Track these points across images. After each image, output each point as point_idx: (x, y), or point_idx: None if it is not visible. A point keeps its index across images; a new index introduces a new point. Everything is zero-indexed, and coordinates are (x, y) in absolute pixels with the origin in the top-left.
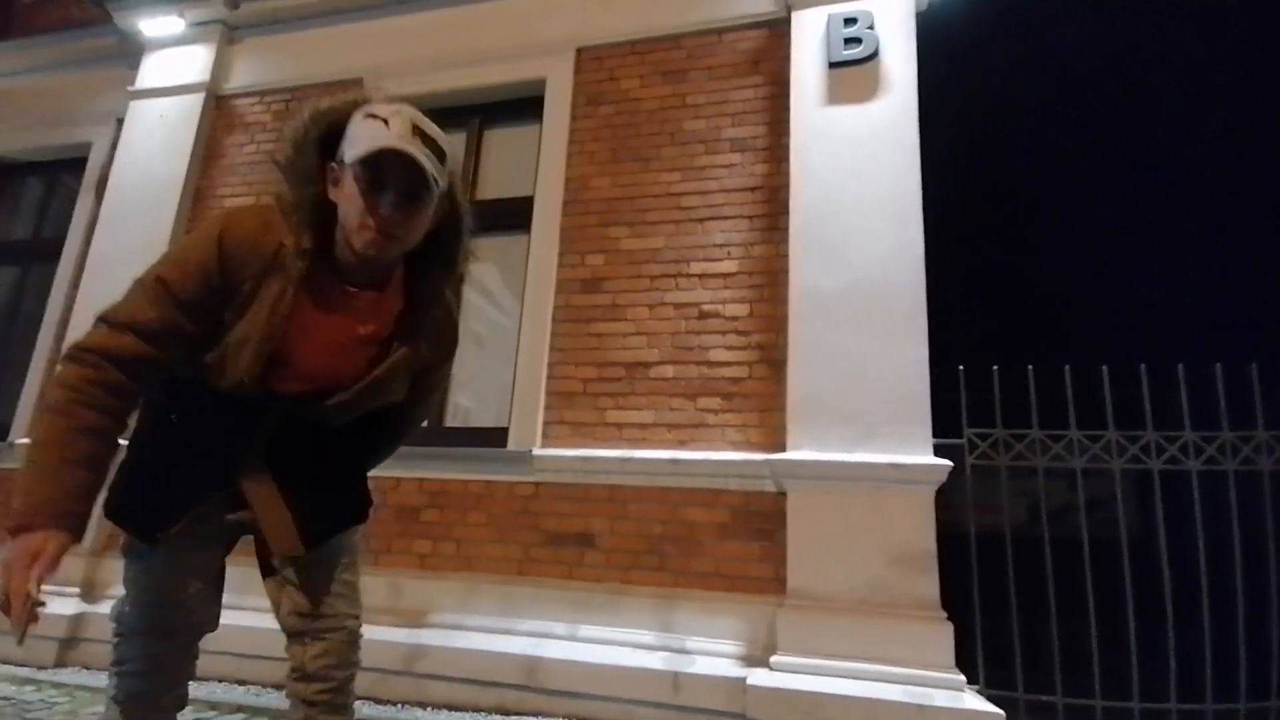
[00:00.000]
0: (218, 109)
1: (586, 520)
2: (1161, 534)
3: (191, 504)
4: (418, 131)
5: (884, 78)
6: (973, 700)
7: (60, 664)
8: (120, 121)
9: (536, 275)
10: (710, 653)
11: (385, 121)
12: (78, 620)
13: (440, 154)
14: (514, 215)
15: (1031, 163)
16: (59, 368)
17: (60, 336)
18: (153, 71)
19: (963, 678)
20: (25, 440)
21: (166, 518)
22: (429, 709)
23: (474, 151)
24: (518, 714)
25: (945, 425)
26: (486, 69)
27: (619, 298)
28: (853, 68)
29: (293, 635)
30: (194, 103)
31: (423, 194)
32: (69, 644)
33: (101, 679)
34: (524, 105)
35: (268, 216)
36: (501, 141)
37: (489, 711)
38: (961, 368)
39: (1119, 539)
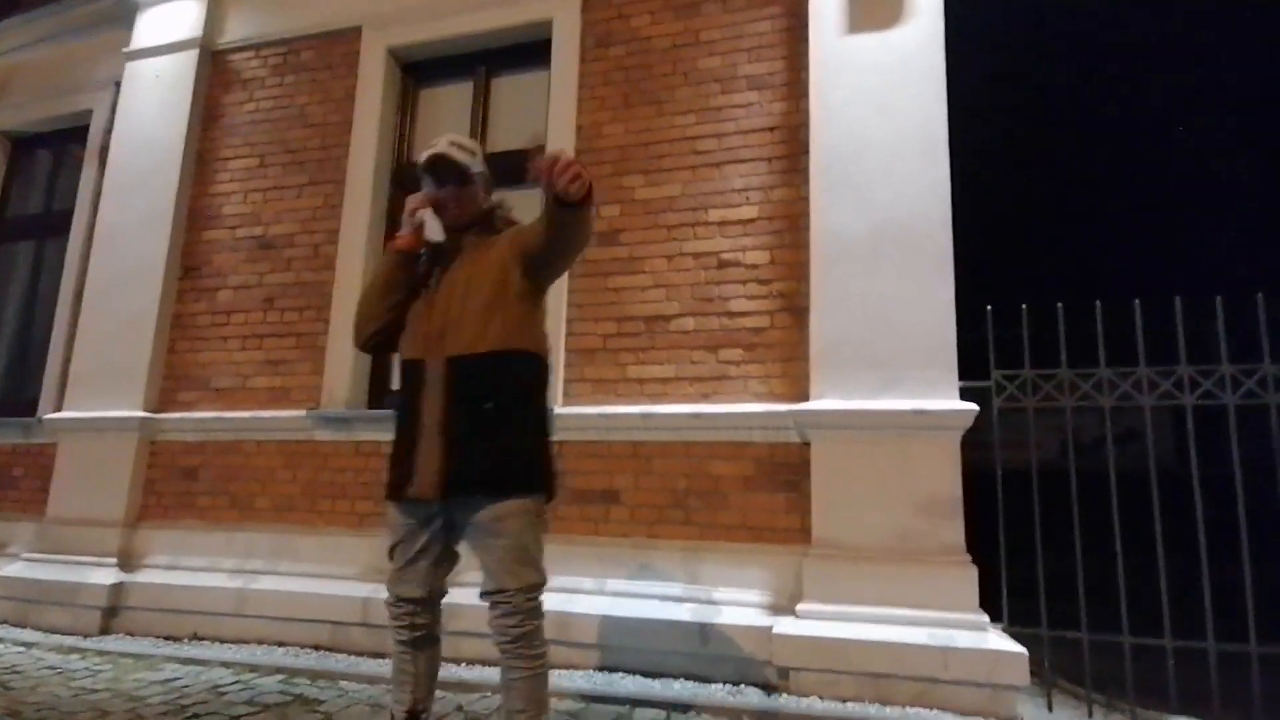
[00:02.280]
0: (214, 65)
1: (611, 477)
2: (1194, 470)
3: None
4: (453, 141)
5: (908, 1)
6: (996, 640)
7: (105, 632)
8: (119, 86)
9: None
10: (737, 603)
11: (433, 144)
12: (118, 589)
13: (467, 150)
14: (525, 168)
15: (1062, 91)
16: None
17: (76, 312)
18: (147, 30)
19: (986, 618)
20: (55, 415)
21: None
22: (463, 664)
23: (482, 101)
24: (551, 667)
25: (973, 366)
26: (489, 12)
27: (636, 250)
28: None
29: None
30: (188, 60)
31: (465, 180)
32: (111, 613)
33: (144, 645)
34: (531, 50)
35: None
36: (510, 90)
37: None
38: (990, 307)
39: (1154, 475)
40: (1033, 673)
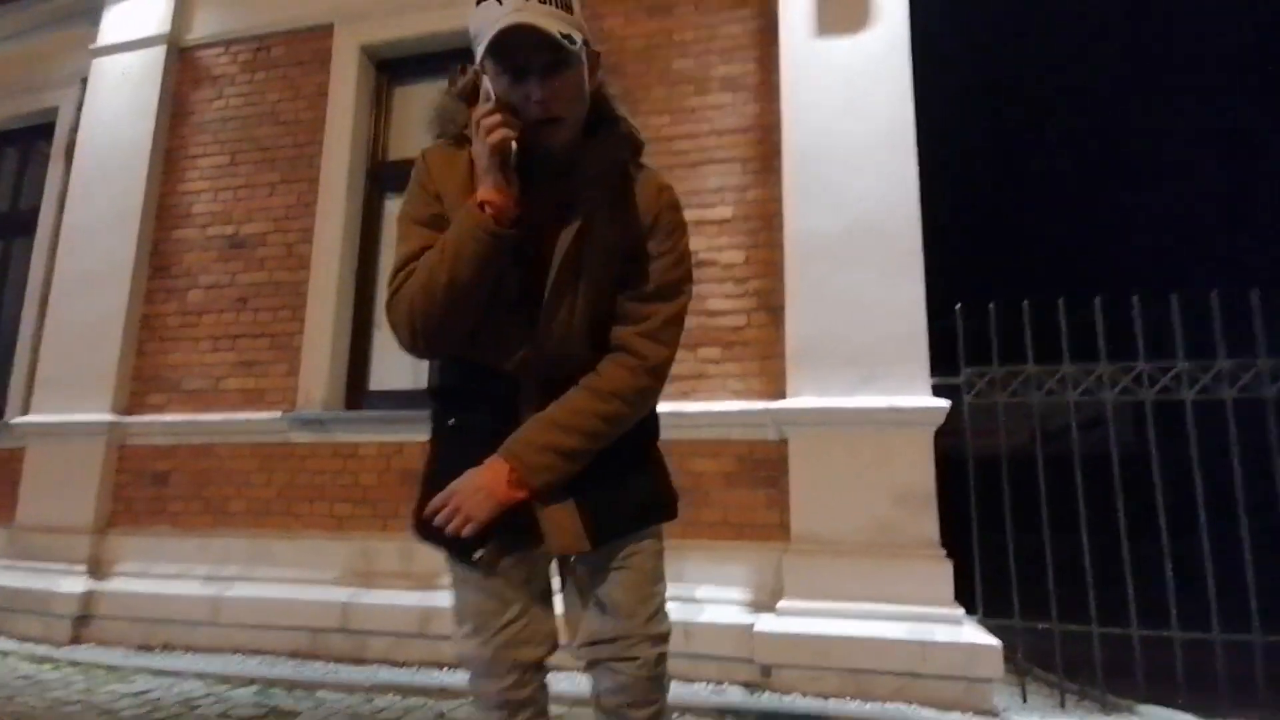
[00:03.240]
0: (182, 62)
1: None
2: (1155, 463)
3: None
4: None
5: (875, 5)
6: (971, 633)
7: (75, 641)
8: (85, 82)
9: None
10: (719, 600)
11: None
12: (88, 598)
13: (565, 4)
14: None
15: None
16: (390, 314)
17: (43, 313)
18: (113, 26)
19: (961, 611)
20: (22, 419)
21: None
22: (445, 669)
23: None
24: None
25: (945, 361)
26: (462, 9)
27: None
28: None
29: (588, 664)
30: (156, 56)
31: (562, 59)
32: (82, 621)
33: (116, 655)
34: None
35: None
36: None
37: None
38: (959, 305)
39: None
40: (1009, 660)
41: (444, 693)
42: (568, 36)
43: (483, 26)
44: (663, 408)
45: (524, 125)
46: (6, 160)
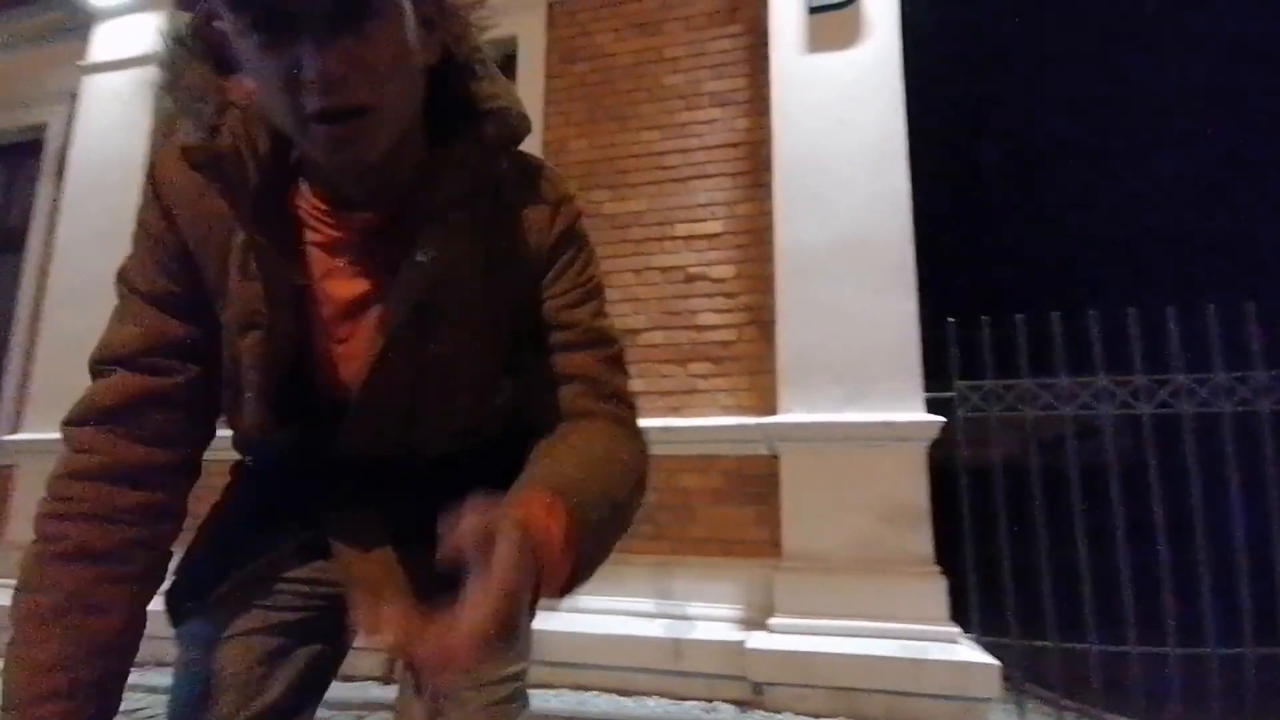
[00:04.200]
0: None
1: None
2: (1154, 477)
3: (240, 562)
4: None
5: (866, 21)
6: (966, 652)
7: None
8: (74, 98)
9: None
10: (710, 618)
11: None
12: None
13: None
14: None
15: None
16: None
17: (33, 330)
18: (103, 43)
19: (957, 629)
20: (12, 437)
21: (204, 582)
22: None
23: None
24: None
25: (938, 375)
26: None
27: (603, 264)
28: (833, 12)
29: None
30: (147, 74)
31: (353, 8)
32: None
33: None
34: (497, 66)
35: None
36: None
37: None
38: (951, 319)
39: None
40: (1006, 678)
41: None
42: None
43: None
44: (652, 423)
45: (298, 121)
46: None
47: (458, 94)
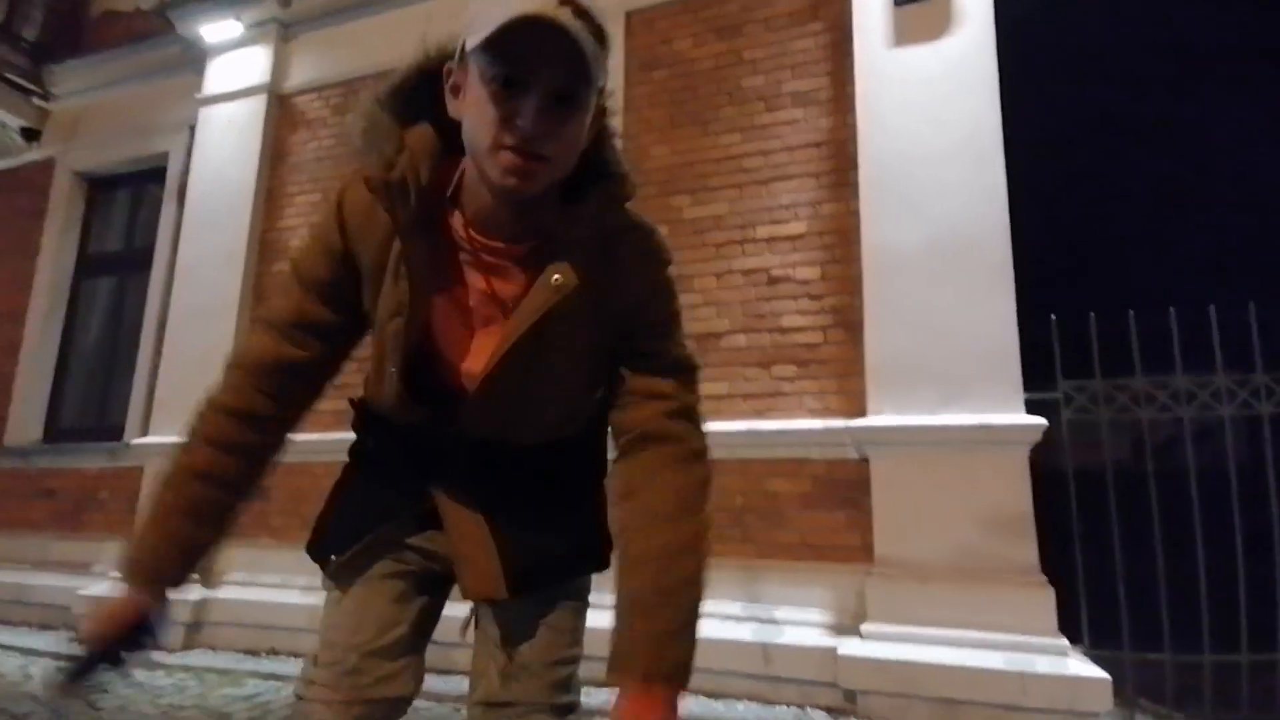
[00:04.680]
0: (280, 108)
1: None
2: (1271, 479)
3: (372, 526)
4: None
5: (956, 11)
6: (1077, 666)
7: (188, 647)
8: (193, 129)
9: None
10: (799, 622)
11: None
12: (200, 605)
13: (598, 31)
14: None
15: (1126, 89)
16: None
17: (159, 340)
18: (217, 77)
19: (1066, 642)
20: (141, 440)
21: (345, 539)
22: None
23: None
24: (609, 686)
25: (1039, 375)
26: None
27: (684, 268)
28: (921, 4)
29: None
30: (258, 104)
31: (580, 90)
32: (194, 628)
33: (226, 659)
34: None
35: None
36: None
37: (583, 685)
38: (1054, 317)
39: (1234, 484)
40: (1116, 692)
41: None
42: (596, 55)
43: (489, 11)
44: (736, 426)
45: (494, 149)
46: (119, 202)
47: (592, 159)
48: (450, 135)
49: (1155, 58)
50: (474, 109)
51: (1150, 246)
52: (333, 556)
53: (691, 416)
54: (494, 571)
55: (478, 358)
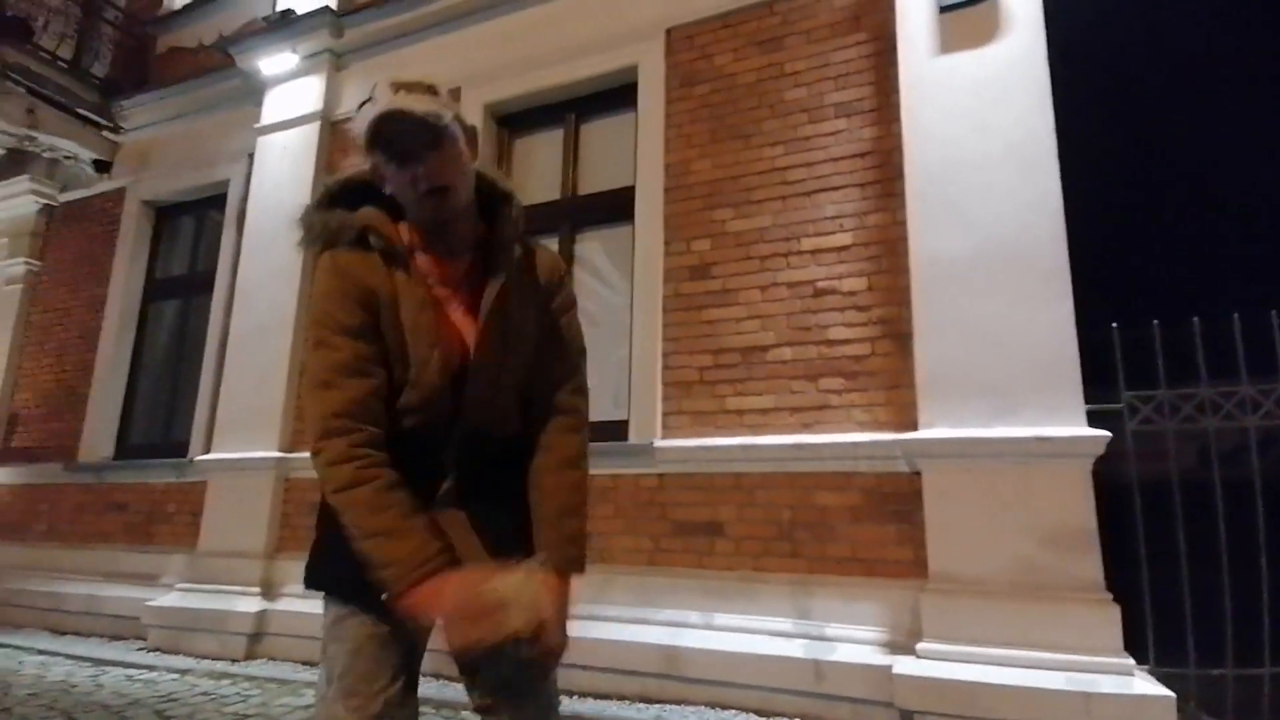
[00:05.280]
0: (333, 135)
1: (714, 509)
2: None
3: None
4: (399, 86)
5: (1004, 16)
6: (1142, 685)
7: (250, 657)
8: (252, 157)
9: (644, 266)
10: (852, 639)
11: (371, 100)
12: (261, 617)
13: (431, 89)
14: (616, 207)
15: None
16: (317, 458)
17: (221, 359)
18: (274, 107)
19: (1131, 661)
20: (204, 456)
21: (348, 588)
22: (574, 696)
23: (572, 146)
24: (660, 701)
25: (1098, 384)
26: (578, 62)
27: (729, 282)
28: (967, 9)
29: None
30: (311, 132)
31: (437, 135)
32: (256, 639)
33: (286, 670)
34: (618, 94)
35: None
36: (599, 133)
37: (632, 699)
38: (1116, 325)
39: None
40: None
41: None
42: (435, 114)
43: (363, 126)
44: (782, 440)
45: (417, 199)
46: (183, 228)
47: (490, 187)
48: (393, 204)
49: (1214, 61)
50: (393, 183)
51: (1210, 252)
52: (326, 582)
53: (584, 392)
54: (477, 554)
55: (469, 336)
